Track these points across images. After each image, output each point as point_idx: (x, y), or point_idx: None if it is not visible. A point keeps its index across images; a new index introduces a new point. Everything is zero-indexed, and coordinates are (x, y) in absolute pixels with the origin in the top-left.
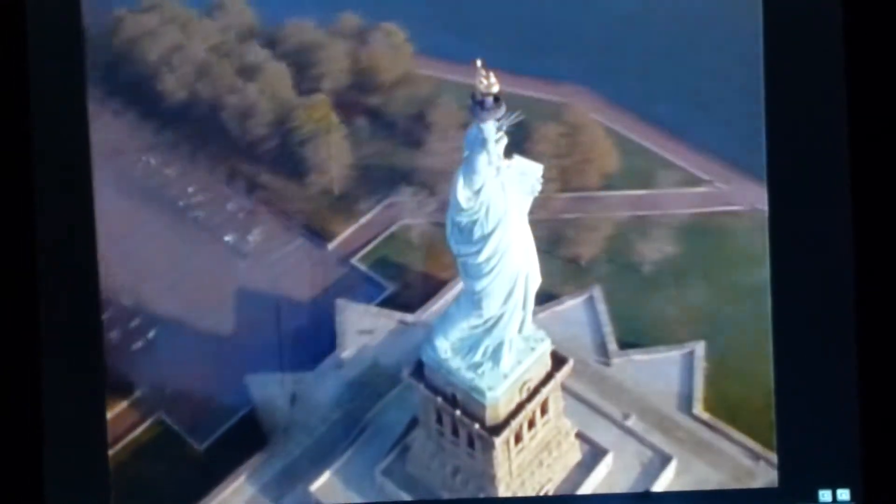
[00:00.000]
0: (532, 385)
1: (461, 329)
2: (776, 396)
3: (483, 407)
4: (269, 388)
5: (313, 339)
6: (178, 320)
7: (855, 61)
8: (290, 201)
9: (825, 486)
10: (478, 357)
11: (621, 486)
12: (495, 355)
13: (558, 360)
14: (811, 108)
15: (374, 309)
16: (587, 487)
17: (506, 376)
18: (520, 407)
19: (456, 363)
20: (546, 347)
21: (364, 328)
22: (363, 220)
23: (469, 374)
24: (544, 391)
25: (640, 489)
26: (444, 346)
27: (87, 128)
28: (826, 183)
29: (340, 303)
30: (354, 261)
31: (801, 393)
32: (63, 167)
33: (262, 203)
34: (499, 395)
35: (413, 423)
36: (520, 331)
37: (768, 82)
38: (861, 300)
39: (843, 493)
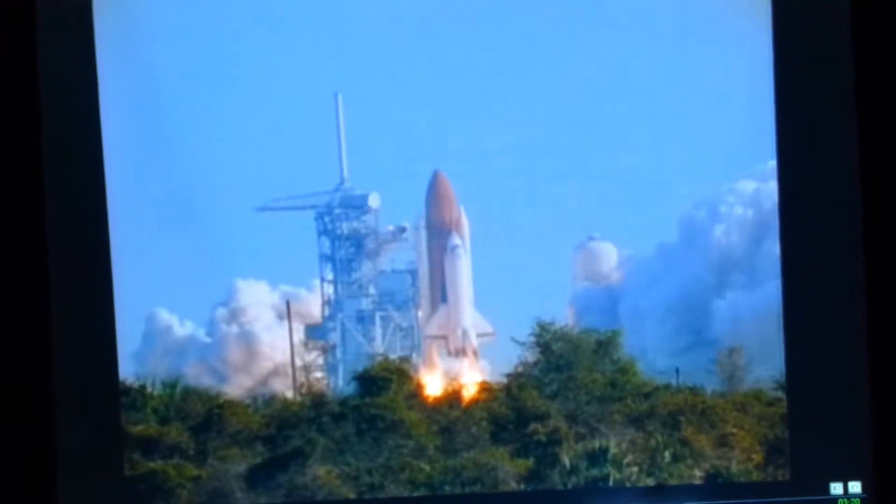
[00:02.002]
0: None
1: None
2: (787, 390)
3: None
4: None
5: None
6: None
7: (864, 59)
8: None
9: (836, 479)
10: None
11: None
12: None
13: None
14: (821, 109)
15: None
16: None
17: None
18: None
19: None
20: None
21: None
22: None
23: None
24: None
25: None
26: None
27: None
28: (836, 177)
29: None
30: None
31: (812, 386)
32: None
33: None
34: None
35: None
36: None
37: (777, 83)
38: (871, 294)
39: (855, 486)
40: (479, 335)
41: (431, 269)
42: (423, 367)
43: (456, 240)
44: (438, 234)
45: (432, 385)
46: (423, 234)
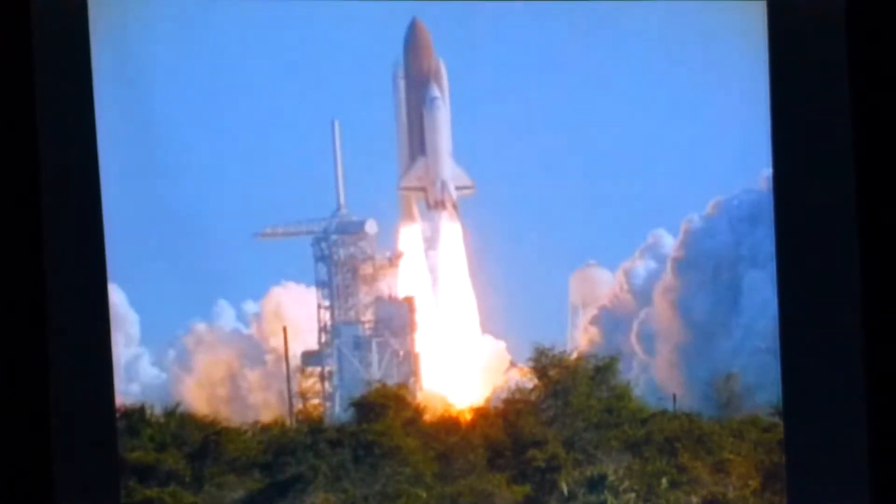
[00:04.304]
0: None
1: None
2: (784, 414)
3: None
4: None
5: None
6: None
7: (858, 64)
8: None
9: (833, 503)
10: None
11: None
12: None
13: None
14: (816, 117)
15: None
16: None
17: None
18: None
19: None
20: None
21: None
22: None
23: None
24: None
25: None
26: None
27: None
28: (832, 201)
29: None
30: None
31: (809, 412)
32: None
33: None
34: None
35: None
36: None
37: (774, 114)
38: (869, 319)
39: None
40: (458, 188)
41: (410, 121)
42: (401, 220)
43: (435, 91)
44: (417, 84)
45: None
46: (401, 84)
